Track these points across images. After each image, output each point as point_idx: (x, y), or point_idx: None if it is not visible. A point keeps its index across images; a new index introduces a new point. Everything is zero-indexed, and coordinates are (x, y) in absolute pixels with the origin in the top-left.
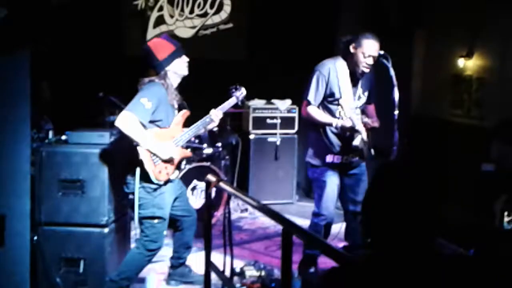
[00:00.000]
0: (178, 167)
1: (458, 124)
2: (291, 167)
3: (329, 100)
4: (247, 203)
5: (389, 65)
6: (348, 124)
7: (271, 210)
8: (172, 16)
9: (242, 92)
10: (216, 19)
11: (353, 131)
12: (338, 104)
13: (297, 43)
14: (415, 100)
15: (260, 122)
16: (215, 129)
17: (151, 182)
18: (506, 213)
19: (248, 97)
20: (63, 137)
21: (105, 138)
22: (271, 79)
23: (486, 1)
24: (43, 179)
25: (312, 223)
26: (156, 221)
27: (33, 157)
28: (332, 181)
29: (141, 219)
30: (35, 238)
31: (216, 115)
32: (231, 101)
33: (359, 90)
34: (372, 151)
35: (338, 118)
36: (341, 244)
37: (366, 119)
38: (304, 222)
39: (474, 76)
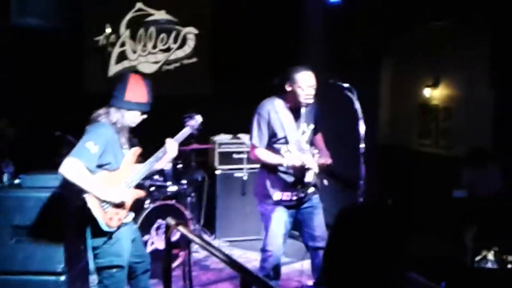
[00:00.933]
0: (132, 209)
1: (426, 154)
2: None
3: (273, 140)
4: (207, 250)
5: (354, 98)
6: (297, 163)
7: (231, 259)
8: (134, 52)
9: (196, 120)
10: (180, 54)
11: (303, 169)
12: (283, 143)
13: (262, 77)
14: (383, 130)
15: (226, 157)
16: (180, 166)
17: (102, 230)
18: (479, 250)
19: (214, 132)
20: (17, 181)
21: (61, 180)
22: (236, 113)
23: (451, 31)
24: None
25: (261, 259)
26: (114, 270)
27: None
28: (279, 217)
29: (99, 269)
30: None
31: (170, 146)
32: (185, 131)
33: (303, 125)
34: (326, 181)
35: (285, 152)
36: (309, 282)
37: (320, 160)
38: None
39: (440, 105)
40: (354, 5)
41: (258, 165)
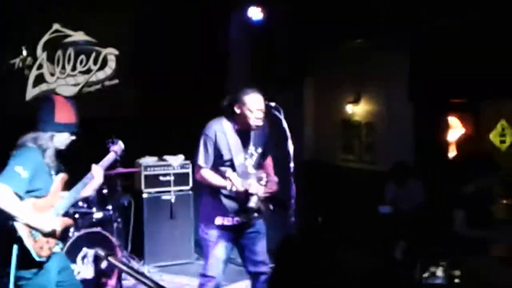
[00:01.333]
0: (61, 237)
1: (350, 169)
2: (188, 225)
3: (219, 162)
4: (140, 281)
5: (282, 117)
6: (240, 188)
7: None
8: (52, 74)
9: (119, 145)
10: (101, 75)
11: (247, 194)
12: (229, 165)
13: (188, 97)
14: (307, 146)
15: (153, 180)
16: (105, 191)
17: (31, 260)
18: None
19: (139, 154)
20: None
21: None
22: (162, 134)
23: (370, 48)
24: None
25: (199, 284)
26: None
27: None
28: (220, 242)
29: None
30: None
31: (96, 172)
32: (110, 157)
33: (251, 148)
34: (271, 206)
35: (226, 179)
36: None
37: (264, 184)
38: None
39: (363, 121)
40: (276, 24)
41: (185, 187)
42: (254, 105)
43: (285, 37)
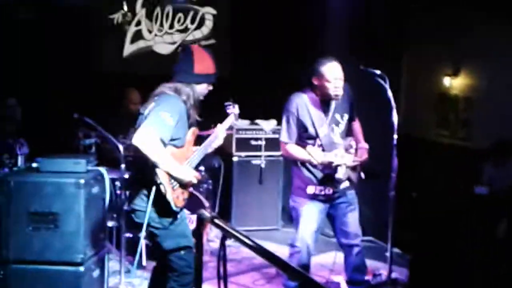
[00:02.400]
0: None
1: (444, 145)
2: (276, 191)
3: (304, 136)
4: (246, 244)
5: (387, 86)
6: (324, 161)
7: (279, 258)
8: (150, 31)
9: (237, 108)
10: (198, 34)
11: (332, 166)
12: (314, 138)
13: (283, 61)
14: (401, 120)
15: (244, 144)
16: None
17: (169, 209)
18: None
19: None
20: (34, 165)
21: (81, 166)
22: (255, 98)
23: (473, 19)
24: (11, 212)
25: (289, 254)
26: (183, 252)
27: (0, 187)
28: (310, 212)
29: (165, 253)
30: (2, 277)
31: (220, 131)
32: (230, 119)
33: (336, 116)
34: (362, 174)
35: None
36: (336, 277)
37: (354, 152)
38: (288, 250)
39: (460, 95)
40: None
41: (276, 153)
42: (332, 74)
43: (382, 4)
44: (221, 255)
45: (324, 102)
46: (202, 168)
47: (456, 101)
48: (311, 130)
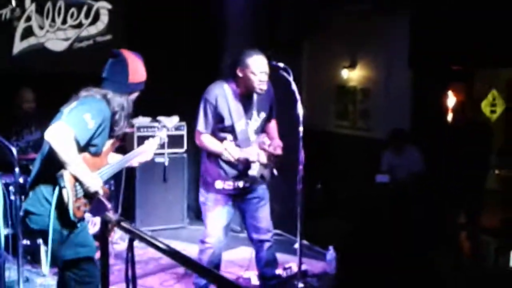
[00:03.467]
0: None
1: (344, 136)
2: (181, 189)
3: (219, 127)
4: (154, 246)
5: (291, 78)
6: (238, 156)
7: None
8: (41, 28)
9: (164, 132)
10: (92, 30)
11: (247, 162)
12: (229, 132)
13: (183, 56)
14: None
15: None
16: None
17: (67, 218)
18: None
19: (132, 115)
20: None
21: None
22: (156, 94)
23: (369, 12)
24: None
25: (199, 251)
26: (82, 262)
27: None
28: (220, 208)
29: (63, 262)
30: None
31: (150, 146)
32: (156, 140)
33: (254, 113)
34: (275, 171)
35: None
36: (247, 273)
37: (268, 148)
38: (196, 248)
39: (358, 87)
40: None
41: (180, 150)
42: (257, 67)
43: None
44: (129, 258)
45: (245, 96)
46: (112, 182)
47: (354, 93)
48: (227, 123)
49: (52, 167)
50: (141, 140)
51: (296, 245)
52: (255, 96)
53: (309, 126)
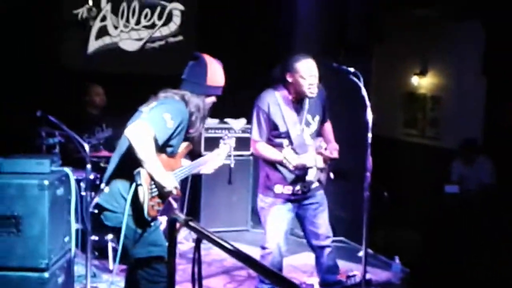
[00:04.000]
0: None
1: (412, 144)
2: (246, 192)
3: (274, 134)
4: (220, 246)
5: (361, 84)
6: (301, 162)
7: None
8: (116, 27)
9: (233, 141)
10: (165, 31)
11: (304, 168)
12: (285, 137)
13: (251, 59)
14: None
15: (213, 143)
16: None
17: (141, 216)
18: None
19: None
20: None
21: (45, 166)
22: (224, 96)
23: (441, 19)
24: None
25: (260, 256)
26: (154, 261)
27: None
28: (279, 213)
29: (135, 260)
30: None
31: (214, 160)
32: (226, 149)
33: (308, 117)
34: (332, 175)
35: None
36: (310, 279)
37: (324, 152)
38: (259, 251)
39: (428, 94)
40: None
41: (246, 152)
42: (306, 71)
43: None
44: (196, 258)
45: (297, 101)
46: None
47: (424, 100)
48: (282, 129)
49: (129, 165)
50: (208, 141)
51: (361, 253)
52: (307, 101)
53: (377, 133)
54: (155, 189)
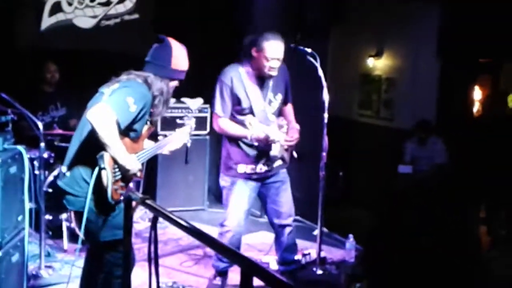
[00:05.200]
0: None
1: (367, 125)
2: (202, 171)
3: (237, 110)
4: (178, 224)
5: (318, 64)
6: (262, 135)
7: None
8: (70, 4)
9: (193, 121)
10: (120, 8)
11: (268, 141)
12: (248, 113)
13: (208, 38)
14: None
15: (170, 123)
16: None
17: (105, 200)
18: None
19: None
20: None
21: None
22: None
23: (398, 1)
24: None
25: (219, 234)
26: (119, 245)
27: None
28: (241, 191)
29: (99, 244)
30: None
31: (180, 136)
32: (187, 129)
33: (270, 94)
34: (295, 153)
35: (247, 125)
36: (266, 258)
37: (286, 131)
38: (215, 230)
39: (383, 76)
40: None
41: (202, 132)
42: (272, 52)
43: None
44: (153, 237)
45: (260, 78)
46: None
47: (379, 82)
48: (245, 104)
49: (91, 149)
50: (165, 121)
51: (316, 232)
52: (269, 80)
53: (332, 114)
54: (119, 173)
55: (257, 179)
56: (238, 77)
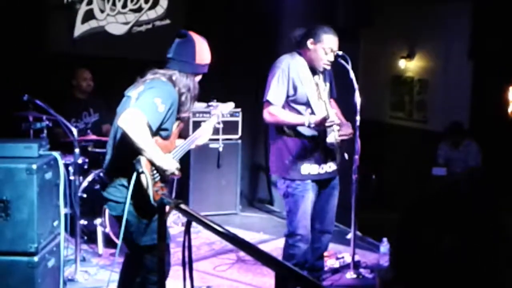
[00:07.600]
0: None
1: (399, 127)
2: (234, 175)
3: (293, 99)
4: (211, 228)
5: (349, 67)
6: (319, 117)
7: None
8: (102, 11)
9: (219, 109)
10: (152, 14)
11: (326, 123)
12: (304, 103)
13: (239, 43)
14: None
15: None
16: None
17: (147, 203)
18: None
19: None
20: None
21: (33, 150)
22: (212, 80)
23: (429, 2)
24: None
25: (287, 245)
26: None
27: None
28: (309, 196)
29: (139, 249)
30: None
31: (206, 131)
32: (214, 119)
33: (323, 85)
34: (346, 155)
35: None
36: None
37: (341, 132)
38: (248, 234)
39: (415, 77)
40: None
41: (234, 136)
42: (330, 44)
43: None
44: (186, 241)
45: (313, 70)
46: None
47: (411, 83)
48: (301, 93)
49: (126, 154)
50: (196, 125)
51: (349, 236)
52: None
53: (364, 116)
54: (157, 174)
55: (318, 181)
56: (295, 65)
